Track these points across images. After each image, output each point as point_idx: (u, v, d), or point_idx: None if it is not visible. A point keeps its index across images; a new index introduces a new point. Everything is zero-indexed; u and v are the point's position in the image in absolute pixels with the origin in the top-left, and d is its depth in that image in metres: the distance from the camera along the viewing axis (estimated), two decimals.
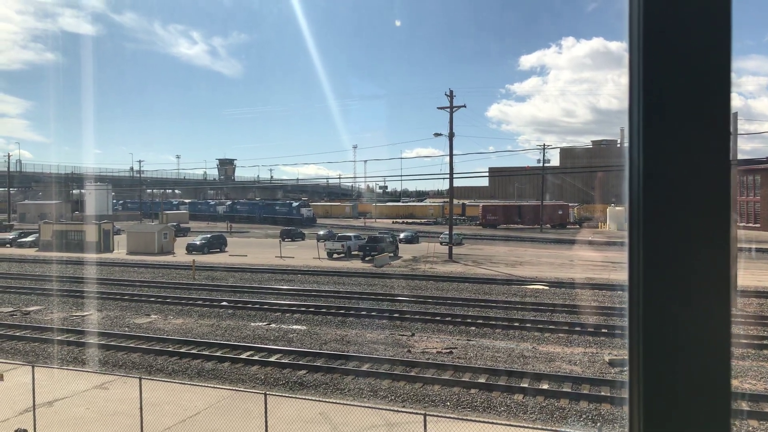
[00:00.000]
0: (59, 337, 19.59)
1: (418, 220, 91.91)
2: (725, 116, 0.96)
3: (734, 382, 13.89)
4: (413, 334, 19.51)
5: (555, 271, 34.04)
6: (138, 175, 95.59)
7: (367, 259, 41.03)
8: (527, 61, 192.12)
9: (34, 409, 11.89)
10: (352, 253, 43.44)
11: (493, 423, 11.34)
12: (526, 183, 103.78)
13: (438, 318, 21.56)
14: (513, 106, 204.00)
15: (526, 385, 14.12)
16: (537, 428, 11.58)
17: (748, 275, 28.02)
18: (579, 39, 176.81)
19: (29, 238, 54.63)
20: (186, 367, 16.46)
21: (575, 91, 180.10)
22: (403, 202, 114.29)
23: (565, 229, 74.01)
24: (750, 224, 62.68)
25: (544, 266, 37.03)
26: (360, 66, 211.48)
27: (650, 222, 0.98)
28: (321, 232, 58.55)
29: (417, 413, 11.06)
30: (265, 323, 21.62)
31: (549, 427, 11.88)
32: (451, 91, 42.63)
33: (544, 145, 76.41)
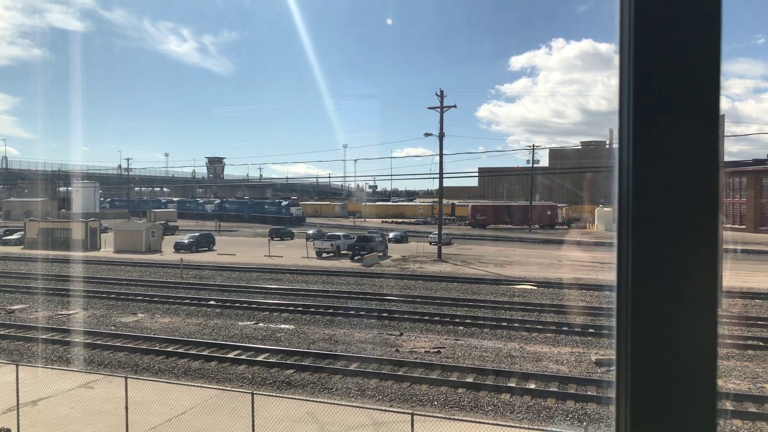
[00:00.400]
0: (44, 336, 19.38)
1: (407, 220, 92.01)
2: (715, 118, 0.96)
3: (719, 382, 14.03)
4: (401, 334, 19.53)
5: (543, 271, 34.22)
6: (126, 173, 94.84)
7: (356, 258, 40.99)
8: (517, 62, 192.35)
9: (17, 409, 11.75)
10: (341, 252, 43.39)
11: (480, 422, 11.37)
12: (515, 183, 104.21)
13: (426, 317, 21.59)
14: (503, 107, 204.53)
15: (513, 385, 14.18)
16: (524, 428, 11.64)
17: (733, 276, 28.32)
18: (569, 40, 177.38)
19: (14, 236, 54.01)
20: (172, 366, 16.36)
21: (565, 92, 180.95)
22: (392, 202, 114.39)
23: (554, 230, 74.44)
24: (736, 225, 63.43)
25: (532, 266, 37.21)
26: (352, 65, 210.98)
27: (639, 223, 0.99)
28: (310, 231, 58.40)
29: (404, 413, 11.06)
30: (252, 322, 21.53)
31: (536, 427, 11.93)
32: (442, 92, 42.73)
33: (534, 145, 77.13)
